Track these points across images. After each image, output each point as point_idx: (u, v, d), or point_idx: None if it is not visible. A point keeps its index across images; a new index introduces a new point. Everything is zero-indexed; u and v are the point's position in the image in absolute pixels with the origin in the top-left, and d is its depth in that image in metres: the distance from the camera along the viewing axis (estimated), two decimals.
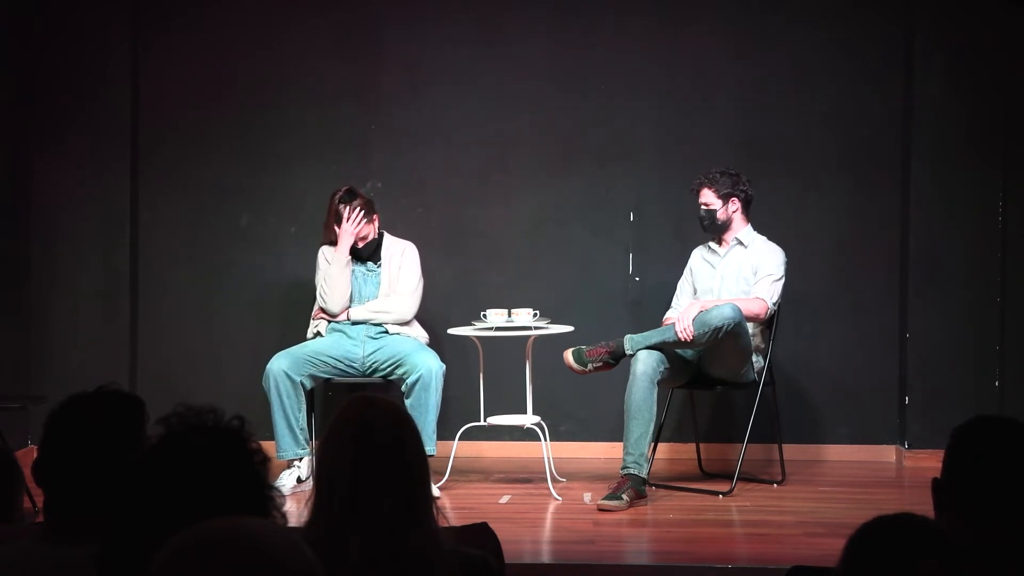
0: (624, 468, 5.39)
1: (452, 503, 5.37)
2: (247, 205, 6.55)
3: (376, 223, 5.91)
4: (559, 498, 5.51)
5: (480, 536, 2.77)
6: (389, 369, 5.74)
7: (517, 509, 5.43)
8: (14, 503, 2.60)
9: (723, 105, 6.47)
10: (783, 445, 5.92)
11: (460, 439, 5.78)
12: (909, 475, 6.07)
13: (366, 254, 5.91)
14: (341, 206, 5.79)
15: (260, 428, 5.45)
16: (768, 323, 5.71)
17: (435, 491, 5.69)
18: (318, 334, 5.88)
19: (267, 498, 1.74)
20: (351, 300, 5.87)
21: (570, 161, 6.53)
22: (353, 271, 5.88)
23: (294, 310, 6.26)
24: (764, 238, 5.79)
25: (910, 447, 6.25)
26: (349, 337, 5.82)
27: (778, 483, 5.82)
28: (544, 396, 6.10)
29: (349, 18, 6.54)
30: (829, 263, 6.45)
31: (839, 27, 6.43)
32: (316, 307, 5.93)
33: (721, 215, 5.74)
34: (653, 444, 5.60)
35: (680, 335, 5.42)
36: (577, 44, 6.51)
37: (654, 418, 5.43)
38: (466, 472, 5.96)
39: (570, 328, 5.80)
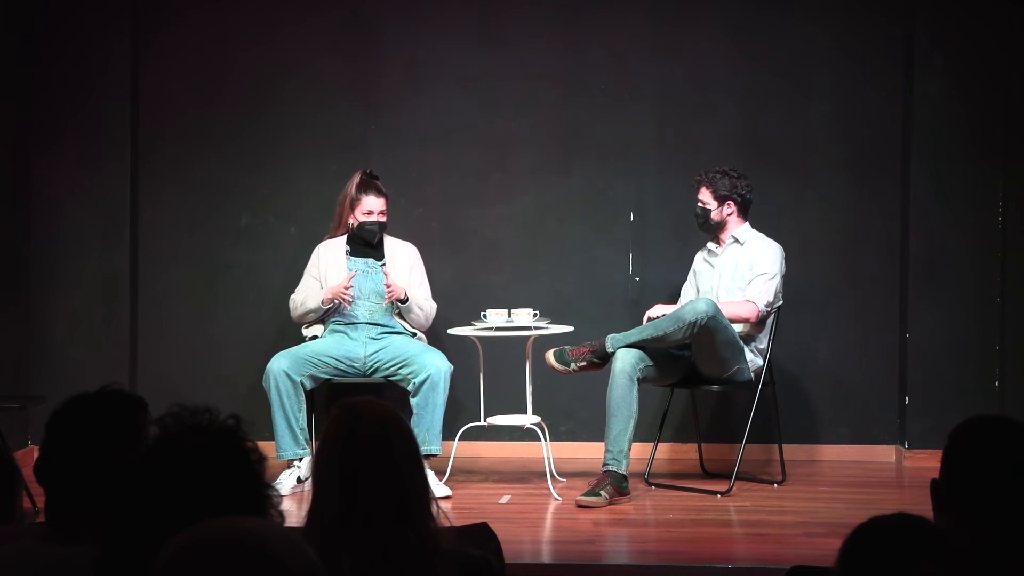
0: (604, 465, 5.43)
1: (452, 503, 5.37)
2: (247, 205, 6.54)
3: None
4: (559, 498, 5.51)
5: (480, 536, 2.77)
6: (392, 369, 5.73)
7: (517, 509, 5.42)
8: (14, 503, 2.60)
9: (723, 105, 6.46)
10: (783, 445, 5.92)
11: (460, 439, 5.78)
12: (909, 475, 6.07)
13: (374, 239, 5.90)
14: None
15: (260, 428, 5.48)
16: (763, 322, 5.70)
17: (446, 490, 5.63)
18: (315, 336, 5.89)
19: (264, 497, 1.74)
20: (357, 295, 5.88)
21: (570, 161, 6.52)
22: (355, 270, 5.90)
23: None
24: (761, 235, 5.80)
25: (910, 447, 6.25)
26: (351, 338, 5.82)
27: (778, 483, 5.81)
28: (544, 396, 6.10)
29: (349, 18, 6.54)
30: (829, 263, 6.45)
31: (839, 27, 6.43)
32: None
33: (715, 216, 5.76)
34: (654, 443, 5.59)
35: (644, 320, 5.55)
36: (577, 44, 6.51)
37: (634, 415, 5.44)
38: (466, 472, 5.96)
39: (570, 328, 5.80)
